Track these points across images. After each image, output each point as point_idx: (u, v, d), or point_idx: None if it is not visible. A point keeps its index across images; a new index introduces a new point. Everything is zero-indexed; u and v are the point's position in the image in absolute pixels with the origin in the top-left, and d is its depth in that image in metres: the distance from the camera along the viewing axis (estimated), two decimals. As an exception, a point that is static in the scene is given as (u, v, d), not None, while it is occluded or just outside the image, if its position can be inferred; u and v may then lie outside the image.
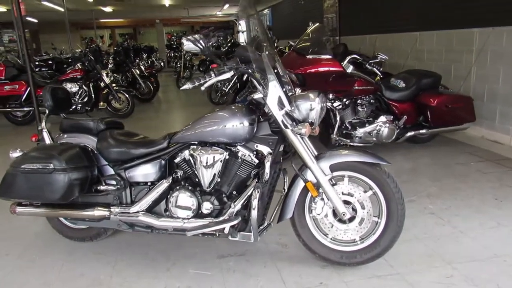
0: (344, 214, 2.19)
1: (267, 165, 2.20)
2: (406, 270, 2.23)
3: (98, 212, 2.39)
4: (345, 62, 4.04)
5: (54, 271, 2.41)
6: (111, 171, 2.49)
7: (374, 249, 2.22)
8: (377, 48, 7.03)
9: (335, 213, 2.24)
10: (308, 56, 3.78)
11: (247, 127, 2.18)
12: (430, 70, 4.90)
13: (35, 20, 18.38)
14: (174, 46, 15.89)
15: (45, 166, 2.28)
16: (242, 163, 2.26)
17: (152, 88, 9.04)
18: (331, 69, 3.76)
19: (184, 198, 2.31)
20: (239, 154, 2.26)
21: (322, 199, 2.23)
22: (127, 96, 7.31)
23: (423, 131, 4.25)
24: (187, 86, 2.06)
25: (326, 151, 2.30)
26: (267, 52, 2.19)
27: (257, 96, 2.20)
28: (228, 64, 2.08)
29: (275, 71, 2.18)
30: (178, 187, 2.34)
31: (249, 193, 2.20)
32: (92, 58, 7.02)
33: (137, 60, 9.61)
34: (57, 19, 15.45)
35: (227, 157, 2.25)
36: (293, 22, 12.57)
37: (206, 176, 2.26)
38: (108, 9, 17.42)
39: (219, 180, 2.28)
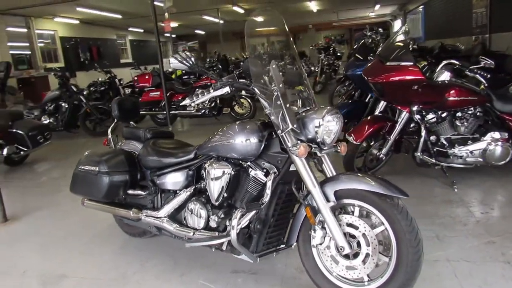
0: (342, 249, 1.93)
1: (268, 184, 2.10)
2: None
3: (134, 213, 2.65)
4: (439, 68, 3.47)
5: (99, 260, 2.77)
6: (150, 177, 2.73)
7: (382, 294, 1.89)
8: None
9: (341, 246, 1.99)
10: (387, 63, 3.38)
11: (253, 144, 2.11)
12: None
13: (203, 32, 20.85)
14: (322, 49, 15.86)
15: (93, 169, 2.64)
16: (252, 180, 2.20)
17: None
18: (408, 77, 3.28)
19: (196, 209, 2.37)
20: (249, 171, 2.21)
21: (324, 228, 2.01)
22: (249, 101, 7.72)
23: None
24: (187, 101, 2.12)
25: (340, 173, 2.07)
26: (273, 66, 2.08)
27: (267, 111, 2.11)
28: (224, 80, 2.05)
29: (280, 85, 2.05)
30: (194, 198, 2.42)
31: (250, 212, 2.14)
32: (220, 66, 7.65)
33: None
34: (222, 29, 17.16)
35: (233, 172, 2.22)
36: (446, 20, 11.25)
37: (213, 189, 2.27)
38: (260, 18, 18.50)
39: (225, 195, 2.26)
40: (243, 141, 2.13)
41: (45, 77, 10.87)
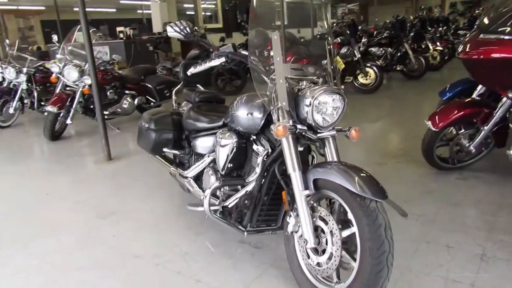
0: (305, 242, 1.77)
1: (258, 160, 2.04)
2: None
3: (173, 169, 2.88)
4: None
5: (151, 221, 3.12)
6: (193, 137, 2.89)
7: (343, 301, 1.70)
8: None
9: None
10: (480, 36, 2.72)
11: (255, 118, 2.07)
12: None
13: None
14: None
15: (145, 125, 2.93)
16: (254, 154, 2.17)
17: (424, 65, 8.34)
18: (502, 55, 2.57)
19: (209, 175, 2.45)
20: (253, 145, 2.18)
21: (298, 215, 1.85)
22: (376, 71, 7.17)
23: None
24: (191, 70, 2.15)
25: (328, 161, 1.87)
26: (275, 37, 1.92)
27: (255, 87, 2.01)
28: (221, 50, 2.00)
29: (278, 59, 1.90)
30: (211, 164, 2.50)
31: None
32: (348, 32, 7.24)
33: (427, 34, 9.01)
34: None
35: (236, 143, 2.20)
36: None
37: (219, 158, 2.30)
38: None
39: (230, 165, 2.27)
40: (247, 114, 2.09)
41: (202, 35, 12.01)
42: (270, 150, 2.05)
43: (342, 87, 2.25)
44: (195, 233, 2.64)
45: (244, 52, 2.04)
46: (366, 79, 7.23)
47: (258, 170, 2.04)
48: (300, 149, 2.03)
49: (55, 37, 6.01)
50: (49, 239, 2.69)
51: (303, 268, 1.92)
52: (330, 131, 1.89)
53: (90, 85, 5.06)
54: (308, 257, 1.85)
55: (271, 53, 1.93)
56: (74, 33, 5.53)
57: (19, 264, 2.40)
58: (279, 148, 1.99)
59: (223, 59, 2.02)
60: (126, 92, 5.91)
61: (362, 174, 1.66)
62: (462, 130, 3.15)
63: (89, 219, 2.96)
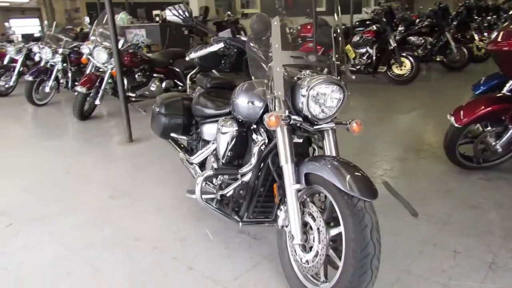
0: (291, 237, 1.71)
1: (254, 151, 1.99)
2: None
3: (181, 154, 2.88)
4: None
5: (159, 205, 3.15)
6: (201, 123, 2.87)
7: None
8: None
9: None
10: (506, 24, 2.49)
11: (255, 107, 2.01)
12: None
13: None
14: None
15: (156, 109, 2.94)
16: (253, 144, 2.11)
17: (467, 56, 7.88)
18: None
19: (210, 163, 2.43)
20: (252, 134, 2.12)
21: (288, 210, 1.79)
22: (411, 61, 6.84)
23: None
24: (191, 55, 2.10)
25: (322, 155, 1.78)
26: (275, 23, 1.83)
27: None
28: (220, 36, 1.94)
29: (277, 46, 1.82)
30: (215, 152, 2.46)
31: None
32: (384, 20, 6.94)
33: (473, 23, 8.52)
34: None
35: (236, 132, 2.15)
36: None
37: (219, 146, 2.26)
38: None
39: (230, 154, 2.22)
40: (247, 103, 2.04)
41: (235, 21, 11.94)
42: (267, 141, 1.99)
43: (353, 77, 2.16)
44: (196, 219, 2.64)
45: (244, 38, 1.97)
46: (401, 70, 6.92)
47: (253, 160, 1.99)
48: (299, 140, 1.96)
49: (87, 19, 6.15)
50: (62, 216, 2.78)
51: (292, 264, 1.86)
52: (328, 124, 1.81)
53: (119, 67, 5.15)
54: (296, 253, 1.79)
55: (271, 40, 1.85)
56: (105, 16, 5.62)
57: (31, 238, 2.49)
58: (275, 139, 1.92)
59: (221, 45, 1.97)
60: (155, 75, 5.99)
61: (353, 172, 1.57)
62: (489, 128, 2.94)
63: (103, 199, 3.03)
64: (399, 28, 7.41)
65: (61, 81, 6.61)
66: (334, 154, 1.83)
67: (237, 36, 1.97)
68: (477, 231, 2.34)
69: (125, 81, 5.33)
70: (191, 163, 2.70)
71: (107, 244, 2.40)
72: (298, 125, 1.81)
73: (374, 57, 6.92)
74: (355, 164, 1.63)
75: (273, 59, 1.79)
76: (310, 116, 1.76)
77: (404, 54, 6.83)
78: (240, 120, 2.17)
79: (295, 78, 1.84)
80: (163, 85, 6.00)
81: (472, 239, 2.26)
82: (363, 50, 7.12)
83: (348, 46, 6.89)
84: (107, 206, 2.92)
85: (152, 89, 5.87)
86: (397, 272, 1.98)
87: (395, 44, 6.81)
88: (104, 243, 2.41)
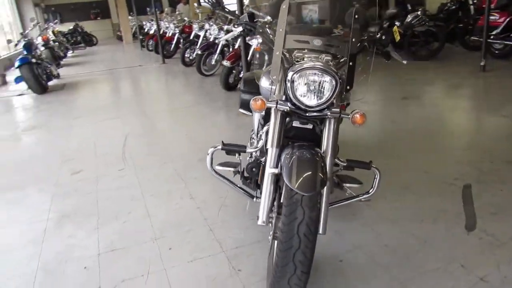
0: (257, 218, 1.75)
1: (262, 131, 2.06)
2: None
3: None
4: None
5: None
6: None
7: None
8: None
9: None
10: None
11: (267, 91, 2.09)
12: None
13: None
14: None
15: (240, 87, 3.19)
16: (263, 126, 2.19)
17: None
18: None
19: (250, 139, 2.57)
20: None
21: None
22: None
23: None
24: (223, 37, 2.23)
25: (301, 144, 1.75)
26: (283, 6, 1.81)
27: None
28: (240, 19, 2.00)
29: (281, 30, 1.80)
30: (259, 128, 2.59)
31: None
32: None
33: None
34: None
35: (264, 112, 2.23)
36: None
37: (253, 122, 2.37)
38: None
39: (261, 131, 2.31)
40: (269, 84, 2.12)
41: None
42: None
43: (405, 62, 2.01)
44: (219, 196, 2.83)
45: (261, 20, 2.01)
46: None
47: (261, 140, 2.05)
48: (309, 126, 1.94)
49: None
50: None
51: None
52: (322, 113, 1.74)
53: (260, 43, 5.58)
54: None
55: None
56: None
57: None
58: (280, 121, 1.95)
59: (241, 28, 2.06)
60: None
61: (302, 164, 1.53)
62: None
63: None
64: None
65: (226, 54, 7.47)
66: (326, 143, 1.77)
67: (255, 20, 2.01)
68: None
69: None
70: (251, 137, 2.89)
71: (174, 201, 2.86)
72: (290, 111, 1.80)
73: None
74: (313, 157, 1.57)
75: (275, 42, 1.81)
76: (296, 102, 1.74)
77: None
78: None
79: (294, 63, 1.81)
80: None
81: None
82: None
83: (395, 28, 5.66)
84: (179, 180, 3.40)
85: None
86: (398, 282, 1.80)
87: None
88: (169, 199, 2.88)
